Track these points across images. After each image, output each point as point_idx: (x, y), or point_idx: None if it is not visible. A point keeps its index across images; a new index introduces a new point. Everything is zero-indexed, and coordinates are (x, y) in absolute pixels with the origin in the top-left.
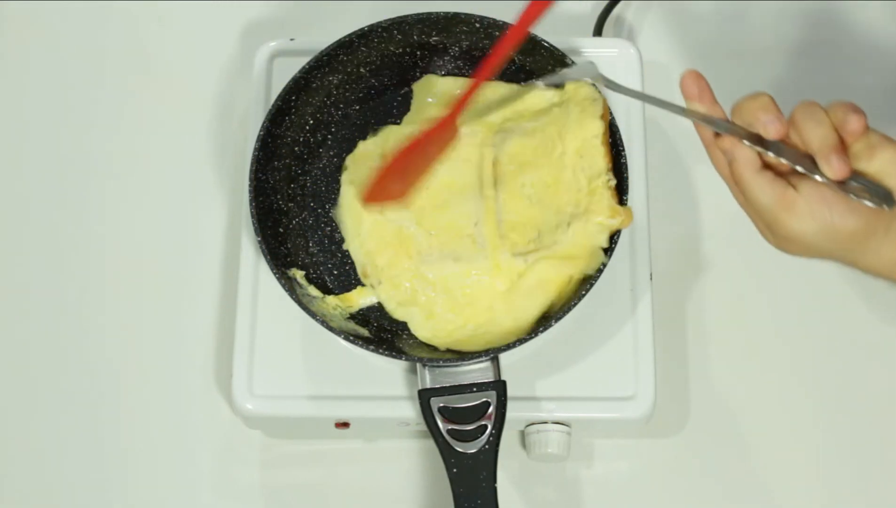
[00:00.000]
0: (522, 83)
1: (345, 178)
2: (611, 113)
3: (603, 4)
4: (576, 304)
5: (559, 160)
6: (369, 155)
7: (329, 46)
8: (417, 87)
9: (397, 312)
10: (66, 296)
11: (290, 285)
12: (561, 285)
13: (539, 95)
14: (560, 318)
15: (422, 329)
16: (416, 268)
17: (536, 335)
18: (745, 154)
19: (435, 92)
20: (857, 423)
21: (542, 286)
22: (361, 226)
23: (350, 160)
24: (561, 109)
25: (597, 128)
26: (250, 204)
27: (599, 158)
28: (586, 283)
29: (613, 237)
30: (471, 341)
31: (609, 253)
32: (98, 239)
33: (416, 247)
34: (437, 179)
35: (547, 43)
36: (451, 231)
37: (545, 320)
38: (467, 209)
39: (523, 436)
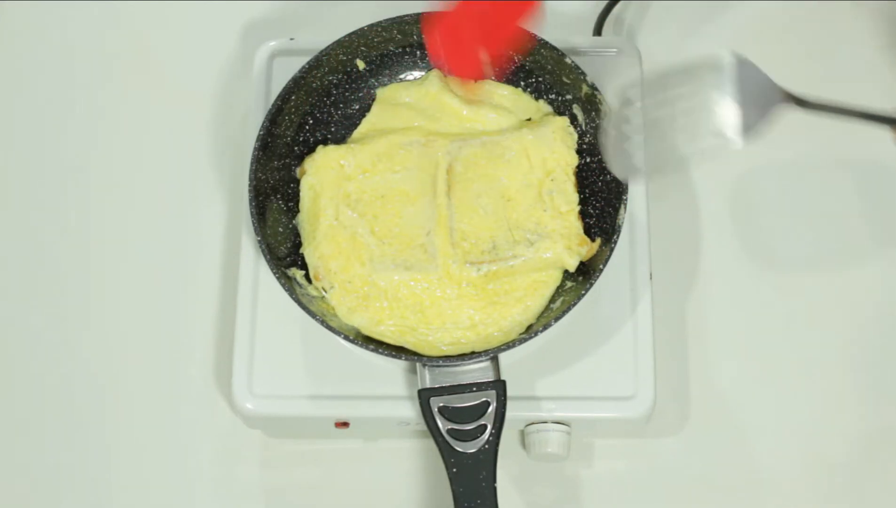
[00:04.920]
0: None
1: (305, 182)
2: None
3: (603, 4)
4: (576, 304)
5: (525, 177)
6: (329, 164)
7: (329, 46)
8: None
9: (348, 317)
10: (66, 296)
11: (290, 285)
12: (522, 297)
13: (506, 115)
14: (560, 318)
15: (371, 333)
16: (367, 275)
17: (536, 335)
18: None
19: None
20: (857, 423)
21: (501, 297)
22: (318, 230)
23: (309, 163)
24: (531, 130)
25: (574, 159)
26: (250, 204)
27: (571, 187)
28: (586, 283)
29: (613, 238)
30: (421, 344)
31: (608, 254)
32: (98, 239)
33: (368, 254)
34: (392, 187)
35: (547, 43)
36: (402, 240)
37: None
38: (420, 219)
39: (523, 436)
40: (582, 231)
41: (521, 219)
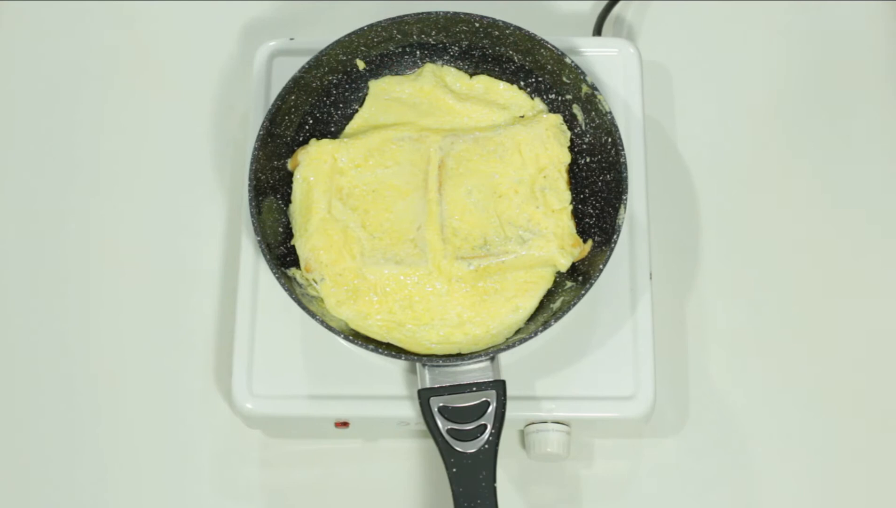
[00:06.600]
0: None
1: (298, 174)
2: (610, 113)
3: (603, 4)
4: (575, 304)
5: (517, 174)
6: (323, 157)
7: (328, 46)
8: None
9: (336, 310)
10: (66, 296)
11: (289, 285)
12: (513, 297)
13: (500, 111)
14: (560, 318)
15: (358, 327)
16: (358, 268)
17: (536, 334)
18: None
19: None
20: (857, 423)
21: (491, 296)
22: (310, 223)
23: (302, 155)
24: (524, 126)
25: (567, 157)
26: (250, 204)
27: (563, 185)
28: (586, 283)
29: (613, 238)
30: (408, 340)
31: (608, 254)
32: (98, 239)
33: (359, 248)
34: (384, 182)
35: (547, 43)
36: (393, 235)
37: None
38: (411, 214)
39: (523, 436)
40: (574, 231)
41: (513, 215)
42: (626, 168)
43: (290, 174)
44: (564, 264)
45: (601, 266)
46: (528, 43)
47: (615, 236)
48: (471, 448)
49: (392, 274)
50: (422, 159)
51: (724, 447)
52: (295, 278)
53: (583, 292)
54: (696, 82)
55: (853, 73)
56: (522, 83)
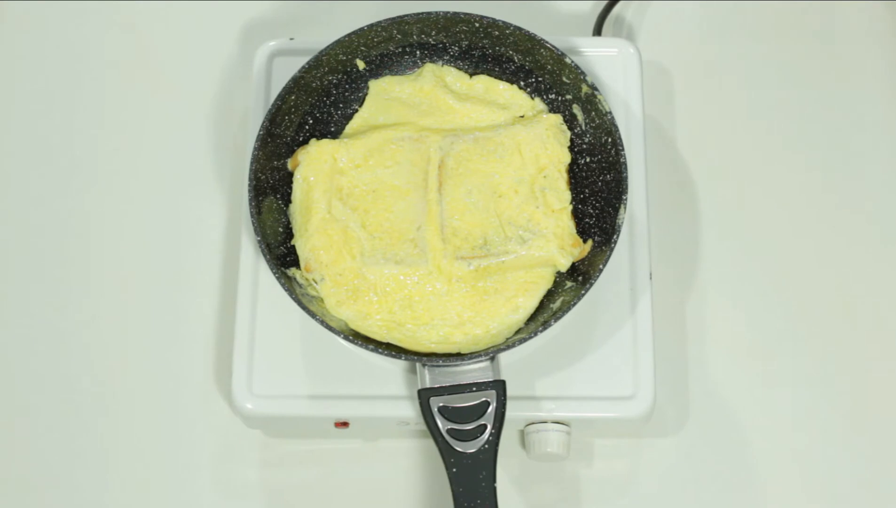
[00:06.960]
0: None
1: (298, 174)
2: (610, 113)
3: (603, 4)
4: (576, 304)
5: (517, 174)
6: (323, 157)
7: (328, 46)
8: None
9: (336, 310)
10: (66, 296)
11: (289, 285)
12: (513, 297)
13: (500, 111)
14: (560, 318)
15: (358, 327)
16: (357, 268)
17: (536, 334)
18: None
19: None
20: (857, 423)
21: (491, 296)
22: (310, 223)
23: (302, 155)
24: (524, 126)
25: (567, 157)
26: (250, 204)
27: (563, 185)
28: (586, 283)
29: (613, 238)
30: (408, 340)
31: (608, 254)
32: (98, 239)
33: (359, 248)
34: (384, 182)
35: (547, 43)
36: (393, 235)
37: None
38: (411, 214)
39: (523, 436)
40: (574, 231)
41: (513, 215)
42: (626, 168)
43: (290, 174)
44: (564, 264)
45: (601, 266)
46: (528, 43)
47: (615, 236)
48: (471, 448)
49: (392, 274)
50: (422, 159)
51: (724, 447)
52: (295, 278)
53: (583, 292)
54: (696, 82)
55: (853, 73)
56: (522, 83)
